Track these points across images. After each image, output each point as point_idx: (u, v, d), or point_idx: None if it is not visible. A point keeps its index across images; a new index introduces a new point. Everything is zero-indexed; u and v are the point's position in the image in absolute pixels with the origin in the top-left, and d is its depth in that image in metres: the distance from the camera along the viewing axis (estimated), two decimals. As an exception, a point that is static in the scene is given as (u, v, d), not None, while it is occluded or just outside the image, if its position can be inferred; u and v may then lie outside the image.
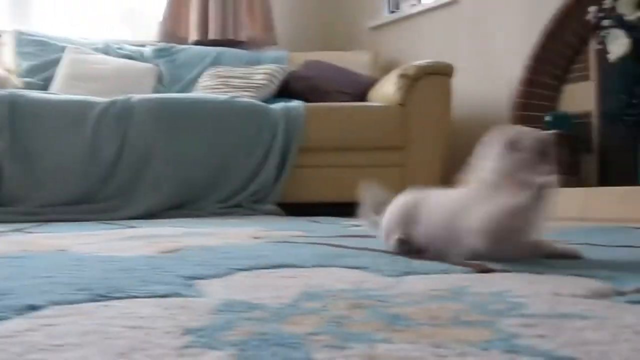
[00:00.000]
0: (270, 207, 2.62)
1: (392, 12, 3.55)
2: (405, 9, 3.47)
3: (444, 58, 2.79)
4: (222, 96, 2.79)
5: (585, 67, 2.46)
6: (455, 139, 2.66)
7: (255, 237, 1.43)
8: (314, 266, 0.87)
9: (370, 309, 0.57)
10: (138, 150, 2.59)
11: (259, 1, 3.60)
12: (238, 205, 2.64)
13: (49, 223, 2.24)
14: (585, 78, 2.47)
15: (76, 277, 0.77)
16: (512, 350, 0.42)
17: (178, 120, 2.63)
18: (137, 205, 2.57)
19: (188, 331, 0.49)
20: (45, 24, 3.46)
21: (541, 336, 0.46)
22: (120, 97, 2.66)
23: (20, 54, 3.16)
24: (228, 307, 0.58)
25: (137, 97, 2.68)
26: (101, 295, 0.64)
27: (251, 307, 0.58)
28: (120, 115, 2.60)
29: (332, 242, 1.21)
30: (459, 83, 2.76)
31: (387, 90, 2.84)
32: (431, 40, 3.27)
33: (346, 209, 2.46)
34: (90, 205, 2.54)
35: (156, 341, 0.46)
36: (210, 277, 0.78)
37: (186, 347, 0.44)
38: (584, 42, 2.45)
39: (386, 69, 3.20)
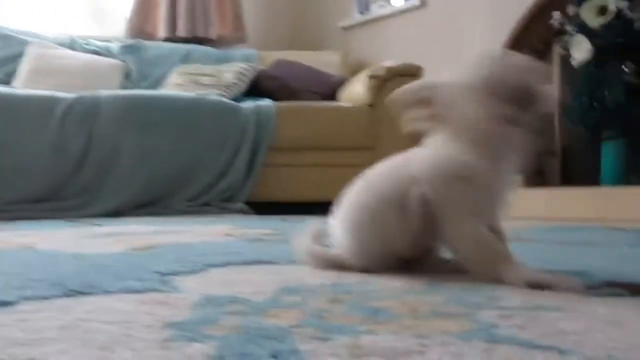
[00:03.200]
0: (239, 205, 2.60)
1: (362, 13, 3.57)
2: (375, 10, 3.49)
3: (413, 59, 2.82)
4: (191, 93, 2.76)
5: (549, 70, 2.51)
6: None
7: (227, 235, 1.42)
8: (289, 263, 0.87)
9: (350, 302, 0.58)
10: (105, 147, 2.54)
11: (229, -1, 3.58)
12: (207, 204, 2.61)
13: (14, 221, 2.18)
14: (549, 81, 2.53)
15: (48, 273, 0.75)
16: (493, 339, 0.43)
17: (146, 117, 2.59)
18: (104, 203, 2.52)
19: (169, 325, 0.48)
20: (8, 17, 3.37)
21: (520, 327, 0.48)
22: (87, 93, 2.61)
23: (-18, 48, 3.07)
24: (208, 301, 0.57)
25: (104, 93, 2.63)
26: (75, 291, 0.63)
27: (231, 301, 0.58)
28: (86, 111, 2.55)
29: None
30: (428, 84, 2.79)
31: (357, 90, 2.85)
32: (400, 41, 3.30)
33: (315, 208, 2.46)
34: (56, 203, 2.48)
35: (137, 335, 0.45)
36: (186, 273, 0.77)
37: (168, 340, 0.44)
38: (549, 47, 2.51)
39: (356, 70, 3.22)
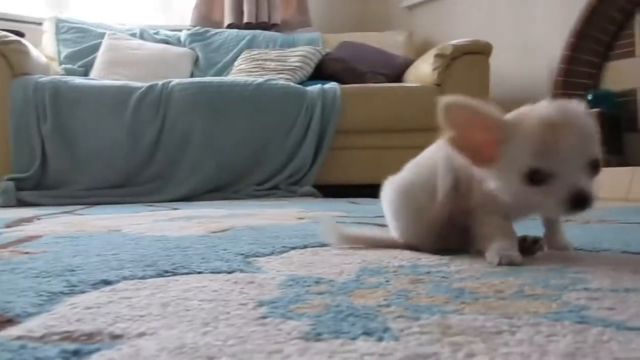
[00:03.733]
0: (306, 189, 2.64)
1: (426, -9, 3.50)
2: (440, -12, 3.42)
3: (481, 37, 2.75)
4: (259, 79, 2.81)
5: (631, 43, 2.40)
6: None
7: (299, 218, 1.45)
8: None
9: (432, 283, 0.58)
10: (177, 134, 2.63)
11: (292, -17, 3.59)
12: (275, 188, 2.66)
13: (94, 206, 2.30)
14: (630, 55, 2.41)
15: (139, 254, 0.80)
16: (584, 321, 0.43)
17: (215, 104, 2.66)
18: (176, 188, 2.62)
19: (261, 303, 0.51)
20: (84, 11, 3.52)
21: (610, 309, 0.47)
22: (159, 82, 2.70)
23: (60, 41, 3.23)
24: (294, 281, 0.60)
25: (175, 81, 2.72)
26: (167, 272, 0.67)
27: (317, 281, 0.60)
28: (159, 99, 2.64)
29: (376, 223, 1.23)
30: (496, 62, 2.72)
31: (423, 70, 2.82)
32: (468, 19, 3.22)
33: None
34: (131, 189, 2.59)
35: (234, 312, 0.48)
36: (267, 255, 0.80)
37: (263, 317, 0.46)
38: (629, 18, 2.39)
39: (421, 50, 3.18)
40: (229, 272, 0.66)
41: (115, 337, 0.41)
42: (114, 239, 1.02)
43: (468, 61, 2.67)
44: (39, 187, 2.52)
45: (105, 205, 2.29)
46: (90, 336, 0.41)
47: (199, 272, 0.67)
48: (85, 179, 2.56)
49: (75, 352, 0.38)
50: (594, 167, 0.65)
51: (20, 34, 2.85)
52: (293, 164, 2.67)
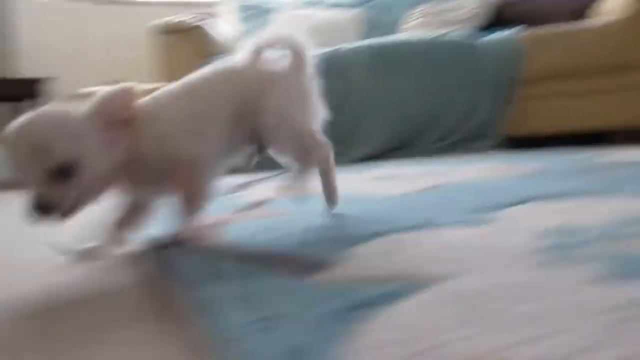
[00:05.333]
0: (490, 142, 2.57)
1: None
2: None
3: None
4: (430, 34, 2.77)
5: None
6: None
7: (501, 172, 1.42)
8: (600, 193, 0.85)
9: None
10: (356, 97, 2.70)
11: None
12: (456, 143, 2.63)
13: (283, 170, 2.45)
14: None
15: (384, 211, 0.85)
16: None
17: (391, 64, 2.68)
18: (360, 149, 2.70)
19: (539, 251, 0.52)
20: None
21: None
22: (338, 48, 2.78)
23: (239, 19, 3.45)
24: (557, 231, 0.60)
25: (351, 45, 2.79)
26: (414, 227, 0.71)
27: (583, 230, 0.60)
28: (335, 65, 2.73)
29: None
30: None
31: (611, 4, 2.57)
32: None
33: (577, 140, 2.31)
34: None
35: (520, 257, 0.50)
36: (506, 207, 0.80)
37: (547, 263, 0.48)
38: None
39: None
40: (474, 225, 0.69)
41: (436, 277, 0.46)
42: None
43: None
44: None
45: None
46: (397, 278, 0.47)
47: (445, 225, 0.70)
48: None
49: (405, 288, 0.43)
50: (64, 172, 0.63)
51: (205, 17, 3.10)
52: (474, 117, 2.62)
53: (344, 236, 0.68)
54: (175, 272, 0.56)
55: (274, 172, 2.32)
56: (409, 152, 2.67)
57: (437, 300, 0.40)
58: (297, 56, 0.79)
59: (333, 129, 2.84)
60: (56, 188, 0.63)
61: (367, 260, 0.55)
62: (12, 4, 3.58)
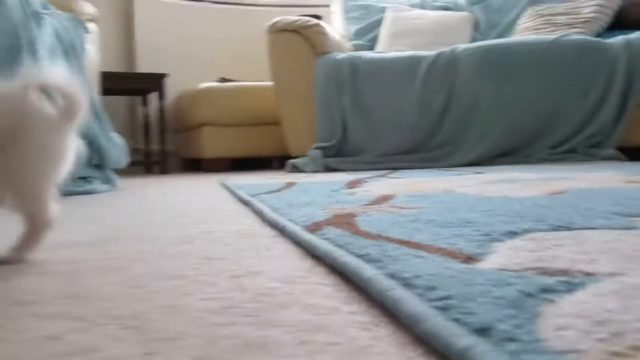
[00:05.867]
0: (609, 151, 2.44)
1: None
2: None
3: None
4: (549, 36, 2.66)
5: None
6: None
7: (629, 181, 1.35)
8: None
9: None
10: (465, 99, 2.65)
11: None
12: (571, 151, 2.52)
13: (393, 170, 2.46)
14: None
15: (512, 211, 0.84)
16: None
17: (503, 66, 2.61)
18: (465, 153, 2.65)
19: None
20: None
21: None
22: (445, 49, 2.75)
23: (348, 19, 3.49)
24: None
25: (461, 47, 2.74)
26: (560, 227, 0.69)
27: None
28: (446, 66, 2.69)
29: None
30: None
31: None
32: None
33: None
34: (423, 154, 2.71)
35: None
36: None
37: None
38: None
39: None
40: (615, 229, 0.66)
41: (606, 272, 0.44)
42: (462, 199, 1.08)
43: None
44: (339, 154, 2.79)
45: (403, 170, 2.43)
46: (564, 272, 0.45)
47: (589, 228, 0.68)
48: (380, 146, 2.75)
49: (579, 280, 0.42)
50: None
51: (317, 17, 3.16)
52: (593, 125, 2.49)
53: (486, 231, 0.67)
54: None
55: (386, 170, 2.33)
56: (518, 158, 2.59)
57: (616, 292, 0.39)
58: (70, 107, 0.65)
59: (439, 132, 2.82)
60: None
61: (523, 253, 0.54)
62: (135, 5, 3.82)
